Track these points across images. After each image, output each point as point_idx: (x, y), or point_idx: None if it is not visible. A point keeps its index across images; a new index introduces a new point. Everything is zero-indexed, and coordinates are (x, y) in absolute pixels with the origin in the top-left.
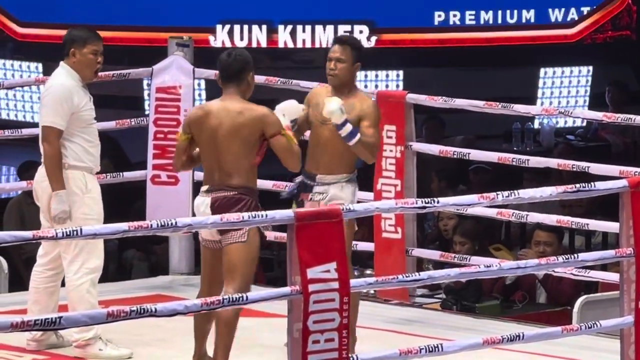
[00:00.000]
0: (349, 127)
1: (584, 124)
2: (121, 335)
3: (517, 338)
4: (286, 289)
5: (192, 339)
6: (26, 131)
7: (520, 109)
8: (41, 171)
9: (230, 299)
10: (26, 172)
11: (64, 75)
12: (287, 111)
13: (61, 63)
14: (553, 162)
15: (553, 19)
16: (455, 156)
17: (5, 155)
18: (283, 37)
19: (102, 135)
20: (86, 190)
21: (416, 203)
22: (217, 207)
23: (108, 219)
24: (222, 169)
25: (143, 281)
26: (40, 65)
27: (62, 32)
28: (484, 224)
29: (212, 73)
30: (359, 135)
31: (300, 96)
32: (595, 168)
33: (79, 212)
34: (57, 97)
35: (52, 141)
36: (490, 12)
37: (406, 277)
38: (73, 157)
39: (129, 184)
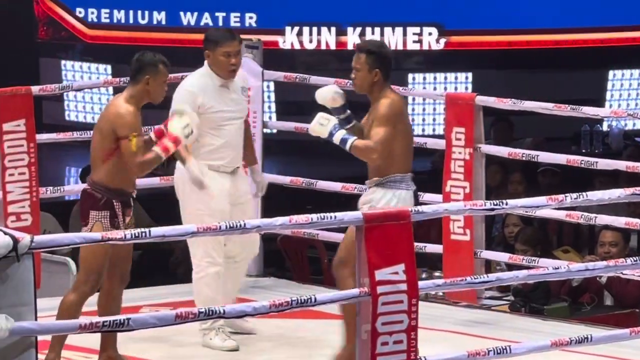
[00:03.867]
0: (338, 137)
1: None
2: None
3: (585, 340)
4: (354, 291)
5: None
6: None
7: (589, 111)
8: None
9: (299, 300)
10: (84, 175)
11: (197, 76)
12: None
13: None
14: (622, 165)
15: (622, 21)
16: (524, 158)
17: (73, 157)
18: (352, 39)
19: None
20: (203, 187)
21: (485, 205)
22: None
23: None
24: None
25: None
26: (109, 67)
27: (131, 34)
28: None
29: (281, 75)
30: (349, 143)
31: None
32: None
33: (193, 207)
34: (177, 98)
35: None
36: (558, 14)
37: (474, 279)
38: (200, 155)
39: None
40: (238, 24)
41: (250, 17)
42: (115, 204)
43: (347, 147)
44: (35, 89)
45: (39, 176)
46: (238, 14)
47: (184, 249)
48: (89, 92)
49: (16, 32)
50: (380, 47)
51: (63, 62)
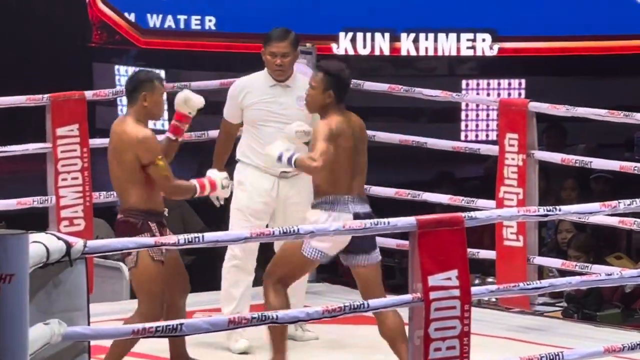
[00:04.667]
0: (284, 161)
1: None
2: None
3: (638, 347)
4: (407, 297)
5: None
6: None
7: None
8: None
9: (352, 306)
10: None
11: (252, 76)
12: (190, 102)
13: None
14: None
15: None
16: (577, 165)
17: None
18: (406, 45)
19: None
20: (238, 184)
21: (538, 211)
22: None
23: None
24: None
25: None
26: (162, 73)
27: (184, 40)
28: (603, 235)
29: None
30: (293, 162)
31: (422, 103)
32: None
33: (232, 204)
34: (229, 92)
35: (220, 130)
36: (612, 21)
37: (527, 285)
38: (240, 152)
39: None
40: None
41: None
42: (151, 225)
43: (292, 162)
44: (88, 94)
45: (92, 181)
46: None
47: None
48: None
49: (70, 37)
50: (339, 70)
51: (116, 67)
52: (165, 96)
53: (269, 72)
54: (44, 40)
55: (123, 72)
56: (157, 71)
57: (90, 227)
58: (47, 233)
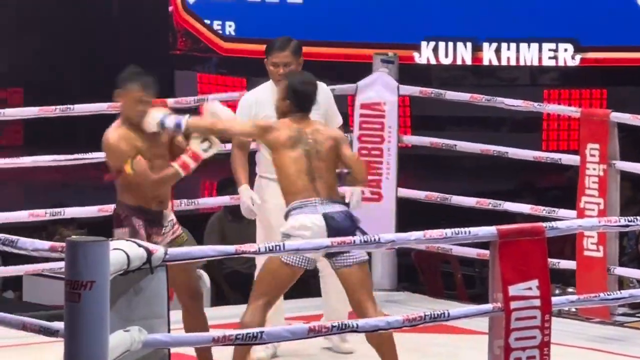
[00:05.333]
0: (169, 124)
1: None
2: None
3: None
4: (488, 306)
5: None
6: (230, 146)
7: None
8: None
9: (433, 315)
10: (225, 188)
11: (260, 86)
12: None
13: None
14: None
15: None
16: None
17: (208, 170)
18: (488, 54)
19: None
20: (262, 200)
21: (619, 221)
22: None
23: None
24: None
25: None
26: (244, 81)
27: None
28: None
29: (416, 90)
30: (183, 123)
31: (504, 113)
32: None
33: (257, 221)
34: (239, 105)
35: (232, 145)
36: None
37: (608, 295)
38: (258, 167)
39: None
40: (374, 38)
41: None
42: (136, 221)
43: (183, 123)
44: (170, 101)
45: (173, 189)
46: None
47: None
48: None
49: (152, 44)
50: (301, 82)
51: (198, 74)
52: (143, 102)
53: (274, 82)
54: (129, 47)
55: (205, 80)
56: (239, 80)
57: None
58: (128, 240)
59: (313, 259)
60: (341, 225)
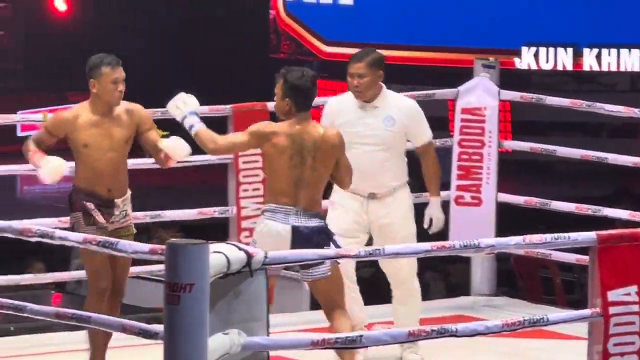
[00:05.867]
0: (186, 125)
1: None
2: None
3: None
4: (586, 311)
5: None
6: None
7: None
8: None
9: (532, 320)
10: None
11: (343, 95)
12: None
13: None
14: None
15: None
16: None
17: None
18: (588, 60)
19: (413, 156)
20: (330, 204)
21: None
22: None
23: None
24: None
25: (444, 301)
26: (346, 85)
27: None
28: None
29: (517, 95)
30: (195, 129)
31: (603, 118)
32: None
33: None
34: (324, 111)
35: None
36: None
37: None
38: None
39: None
40: (475, 43)
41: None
42: (87, 204)
43: (192, 132)
44: (271, 105)
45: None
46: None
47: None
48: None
49: (252, 47)
50: (298, 77)
51: None
52: (117, 79)
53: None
54: (231, 49)
55: None
56: (339, 83)
57: None
58: (227, 243)
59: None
60: (309, 239)
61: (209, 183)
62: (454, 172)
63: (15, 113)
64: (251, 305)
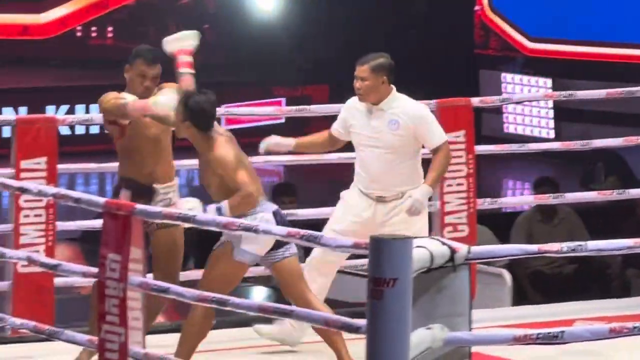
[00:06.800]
0: (211, 211)
1: None
2: None
3: None
4: None
5: None
6: (533, 146)
7: None
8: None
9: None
10: (539, 187)
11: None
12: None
13: None
14: None
15: None
16: None
17: (511, 170)
18: None
19: (611, 153)
20: (342, 200)
21: None
22: None
23: (603, 234)
24: None
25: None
26: (549, 81)
27: (571, 48)
28: None
29: None
30: (223, 208)
31: None
32: None
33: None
34: (343, 107)
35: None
36: None
37: None
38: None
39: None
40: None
41: None
42: (123, 192)
43: (225, 212)
44: (474, 101)
45: (477, 187)
46: None
47: (619, 263)
48: (528, 105)
49: (457, 44)
50: (188, 97)
51: (503, 74)
52: (146, 74)
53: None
54: (435, 47)
55: (509, 80)
56: (543, 80)
57: (473, 234)
58: (431, 238)
59: (258, 255)
60: (283, 220)
61: None
62: None
63: (219, 106)
64: (454, 300)
